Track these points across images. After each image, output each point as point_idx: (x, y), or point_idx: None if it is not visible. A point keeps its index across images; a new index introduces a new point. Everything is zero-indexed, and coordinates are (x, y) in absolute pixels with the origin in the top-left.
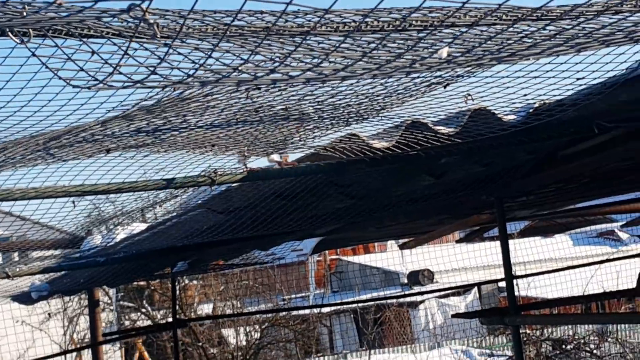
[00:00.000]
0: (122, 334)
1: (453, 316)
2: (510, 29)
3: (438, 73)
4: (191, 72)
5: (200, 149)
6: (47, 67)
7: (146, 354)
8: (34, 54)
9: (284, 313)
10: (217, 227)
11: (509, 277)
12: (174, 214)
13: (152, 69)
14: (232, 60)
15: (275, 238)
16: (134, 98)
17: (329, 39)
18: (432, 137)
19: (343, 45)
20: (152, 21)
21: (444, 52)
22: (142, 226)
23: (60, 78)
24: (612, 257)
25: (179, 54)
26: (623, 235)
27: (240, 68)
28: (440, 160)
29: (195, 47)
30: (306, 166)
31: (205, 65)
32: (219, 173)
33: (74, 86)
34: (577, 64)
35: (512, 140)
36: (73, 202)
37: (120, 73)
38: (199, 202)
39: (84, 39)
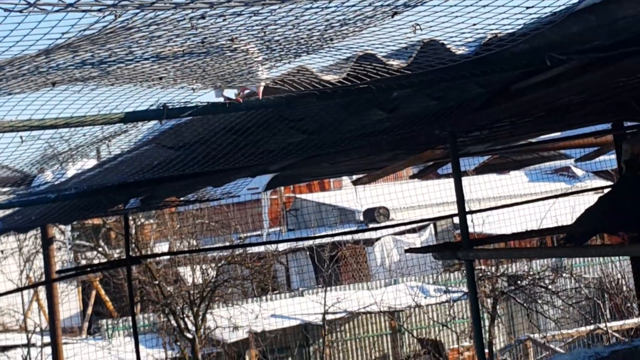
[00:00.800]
0: (77, 270)
1: (406, 251)
2: None
3: (387, 2)
4: None
5: (148, 82)
6: None
7: (103, 292)
8: None
9: (240, 251)
10: (168, 162)
11: (462, 211)
12: (125, 149)
13: None
14: None
15: (227, 174)
16: (77, 29)
17: None
18: (383, 69)
19: None
20: None
21: None
22: (93, 162)
23: None
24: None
25: None
26: (578, 172)
27: None
28: (392, 93)
29: None
30: (255, 100)
31: None
32: (168, 107)
33: (4, 9)
34: None
35: (463, 72)
36: (21, 137)
37: None
38: (149, 137)
39: None
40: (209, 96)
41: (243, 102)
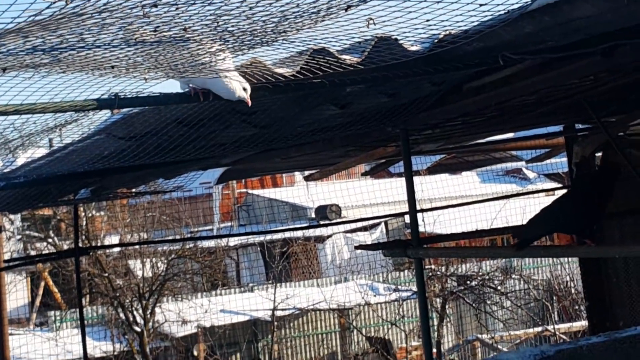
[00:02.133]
0: (24, 259)
1: (356, 247)
2: None
3: None
4: None
5: (99, 71)
6: None
7: (51, 283)
8: None
9: (190, 245)
10: (119, 153)
11: (413, 210)
12: (76, 139)
13: None
14: None
15: (178, 166)
16: (28, 14)
17: None
18: (336, 64)
19: None
20: None
21: None
22: (44, 151)
23: None
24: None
25: None
26: (530, 174)
27: None
28: (345, 89)
29: None
30: (208, 92)
31: None
32: (120, 96)
33: None
34: None
35: (416, 70)
36: None
37: None
38: (101, 127)
39: None
40: (161, 86)
41: (194, 94)
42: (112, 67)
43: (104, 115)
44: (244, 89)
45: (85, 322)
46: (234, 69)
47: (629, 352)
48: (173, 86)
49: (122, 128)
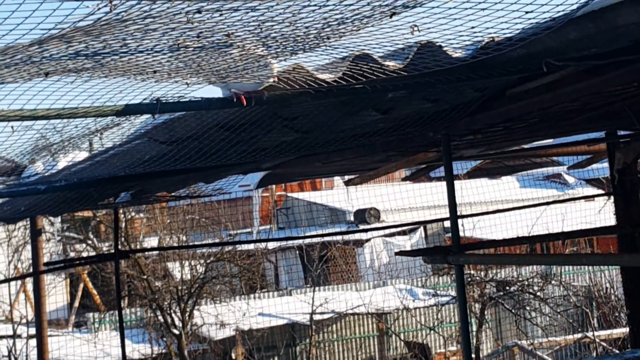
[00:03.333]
0: (65, 262)
1: (397, 254)
2: None
3: (385, 2)
4: None
5: (142, 76)
6: None
7: (90, 285)
8: None
9: (229, 248)
10: (160, 157)
11: (454, 215)
12: (117, 142)
13: None
14: None
15: (219, 171)
16: (72, 20)
17: None
18: (379, 70)
19: None
20: None
21: None
22: (85, 155)
23: None
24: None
25: None
26: (569, 179)
27: None
28: (387, 94)
29: None
30: (249, 97)
31: None
32: (162, 101)
33: None
34: None
35: (460, 76)
36: (12, 127)
37: None
38: (142, 131)
39: None
40: (203, 91)
41: (238, 100)
42: (155, 72)
43: (145, 119)
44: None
45: (124, 324)
46: (275, 75)
47: None
48: (214, 91)
49: (163, 132)
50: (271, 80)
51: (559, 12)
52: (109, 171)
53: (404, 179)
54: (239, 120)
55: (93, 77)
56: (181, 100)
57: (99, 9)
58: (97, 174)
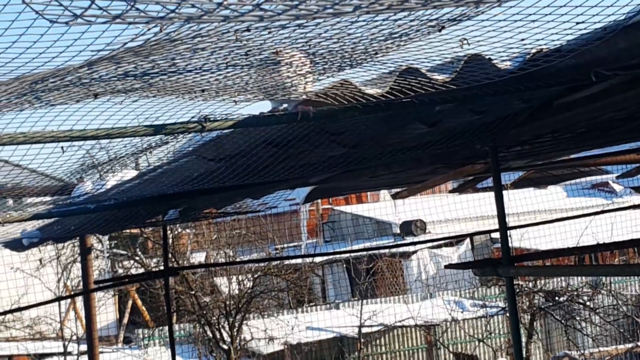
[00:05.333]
0: (114, 281)
1: (446, 267)
2: None
3: (434, 16)
4: (173, 7)
5: (190, 94)
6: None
7: (139, 302)
8: None
9: (276, 262)
10: (208, 174)
11: (503, 228)
12: (164, 161)
13: (132, 3)
14: None
15: (267, 186)
16: (120, 40)
17: None
18: (426, 83)
19: None
20: None
21: None
22: (133, 173)
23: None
24: (605, 208)
25: None
26: (617, 187)
27: (224, 3)
28: (435, 108)
29: None
30: (297, 113)
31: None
32: (210, 119)
33: (50, 21)
34: (576, 7)
35: (508, 87)
36: (62, 147)
37: (99, 8)
38: (190, 148)
39: None
40: (250, 108)
41: (284, 115)
42: (203, 90)
43: (193, 137)
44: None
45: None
46: (321, 89)
47: None
48: (261, 108)
49: (212, 150)
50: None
51: (610, 21)
52: (158, 189)
53: (451, 191)
54: (286, 137)
55: (142, 96)
56: (229, 117)
57: (149, 29)
58: (146, 192)
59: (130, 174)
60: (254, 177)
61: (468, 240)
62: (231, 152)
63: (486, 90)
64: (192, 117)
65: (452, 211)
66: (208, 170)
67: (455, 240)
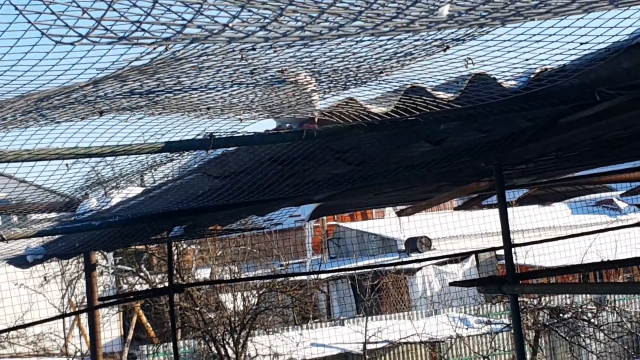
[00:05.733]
0: (119, 298)
1: (451, 284)
2: None
3: (438, 36)
4: (178, 28)
5: (195, 112)
6: (24, 17)
7: (144, 318)
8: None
9: (281, 279)
10: (213, 192)
11: (508, 245)
12: (169, 178)
13: (137, 24)
14: (220, 14)
15: (272, 203)
16: (126, 58)
17: None
18: (431, 102)
19: (340, 3)
20: None
21: (445, 10)
22: (138, 190)
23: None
24: (610, 226)
25: (168, 9)
26: (621, 205)
27: (230, 25)
28: (439, 126)
29: (183, 2)
30: (302, 131)
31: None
32: (215, 137)
33: (56, 42)
34: (580, 27)
35: (512, 106)
36: (67, 165)
37: (105, 28)
38: (195, 166)
39: None
40: (255, 126)
41: (289, 133)
42: (208, 108)
43: (197, 154)
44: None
45: (179, 356)
46: (326, 106)
47: None
48: (266, 125)
49: (217, 167)
50: (317, 114)
51: (614, 42)
52: (163, 206)
53: (456, 209)
54: (291, 154)
55: (147, 114)
56: (234, 135)
57: (154, 48)
58: (151, 209)
59: (135, 190)
60: (258, 194)
61: (473, 257)
62: (236, 169)
63: (491, 109)
64: (198, 135)
65: (457, 228)
66: (213, 188)
67: (460, 257)
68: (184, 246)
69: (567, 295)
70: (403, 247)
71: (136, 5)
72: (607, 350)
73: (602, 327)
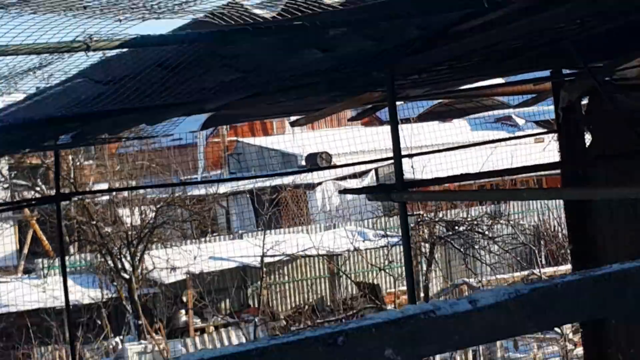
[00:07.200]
0: (4, 206)
1: (340, 192)
2: None
3: None
4: None
5: (72, 12)
6: None
7: (40, 232)
8: None
9: (179, 193)
10: (97, 97)
11: (397, 154)
12: (51, 83)
13: None
14: None
15: (160, 111)
16: None
17: None
18: (316, 7)
19: None
20: None
21: None
22: (19, 96)
23: None
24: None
25: None
26: (520, 121)
27: None
28: (329, 32)
29: None
30: (186, 33)
31: None
32: (95, 39)
33: None
34: None
35: (400, 12)
36: None
37: None
38: (77, 71)
39: None
40: (138, 28)
41: (171, 35)
42: (85, 7)
43: (79, 58)
44: None
45: (74, 269)
46: (209, 9)
47: (604, 288)
48: (151, 28)
49: (100, 71)
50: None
51: None
52: (45, 112)
53: (350, 119)
54: (177, 59)
55: (21, 13)
56: (115, 37)
57: None
58: (34, 114)
59: (15, 96)
60: (144, 100)
61: (373, 172)
62: (120, 73)
63: (378, 14)
64: (77, 36)
65: (358, 144)
66: (97, 93)
67: (359, 172)
68: (82, 161)
69: (463, 209)
70: (304, 163)
71: None
72: (501, 261)
73: (496, 239)
